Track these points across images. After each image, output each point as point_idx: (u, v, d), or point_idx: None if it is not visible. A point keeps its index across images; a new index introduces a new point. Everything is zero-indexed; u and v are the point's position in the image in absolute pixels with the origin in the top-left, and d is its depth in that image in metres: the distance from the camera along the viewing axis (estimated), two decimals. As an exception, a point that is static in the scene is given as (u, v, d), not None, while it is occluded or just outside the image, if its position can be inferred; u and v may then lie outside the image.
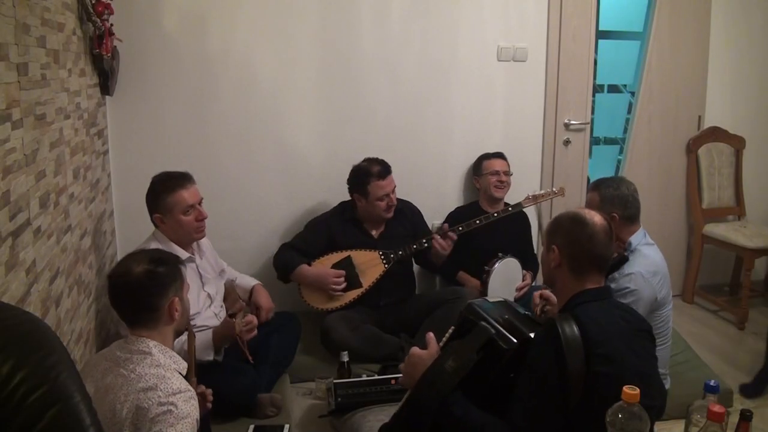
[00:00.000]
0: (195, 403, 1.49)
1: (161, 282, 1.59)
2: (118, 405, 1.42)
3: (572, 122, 3.47)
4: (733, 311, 3.50)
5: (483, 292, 2.89)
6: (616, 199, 2.32)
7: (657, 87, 3.61)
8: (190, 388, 1.51)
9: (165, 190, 2.28)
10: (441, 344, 1.56)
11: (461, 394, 1.43)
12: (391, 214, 2.91)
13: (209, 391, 1.74)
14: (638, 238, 2.32)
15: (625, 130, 3.93)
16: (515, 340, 1.42)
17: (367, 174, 2.85)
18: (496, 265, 2.90)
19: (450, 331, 1.58)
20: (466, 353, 1.43)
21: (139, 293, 1.57)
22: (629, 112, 4.04)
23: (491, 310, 1.53)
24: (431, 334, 1.58)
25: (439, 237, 2.80)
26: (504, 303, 1.63)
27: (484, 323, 1.47)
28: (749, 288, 3.42)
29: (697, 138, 3.68)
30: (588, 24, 3.40)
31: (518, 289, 2.96)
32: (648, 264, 2.24)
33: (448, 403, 1.42)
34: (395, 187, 2.89)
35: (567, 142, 3.49)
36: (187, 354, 1.75)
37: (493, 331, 1.45)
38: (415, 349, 1.57)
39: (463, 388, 1.44)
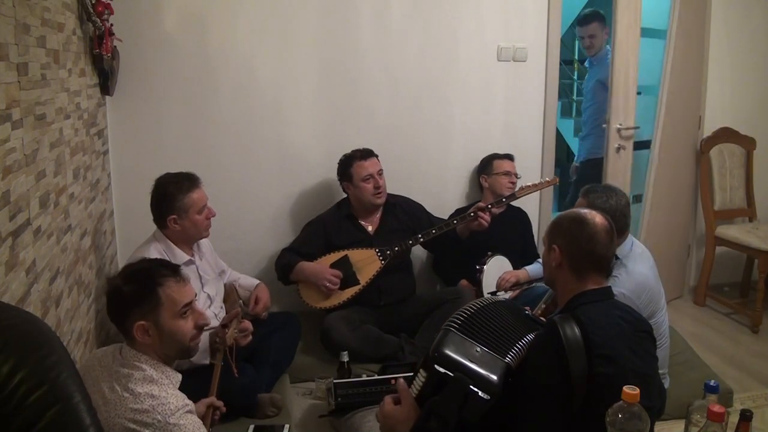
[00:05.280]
0: (192, 416, 1.47)
1: (121, 302, 1.52)
2: (109, 422, 1.38)
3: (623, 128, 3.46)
4: (748, 314, 3.45)
5: (478, 291, 2.88)
6: (606, 211, 2.27)
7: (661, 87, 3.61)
8: (187, 401, 1.48)
9: (180, 191, 2.29)
10: (414, 393, 1.41)
11: None
12: (382, 200, 2.92)
13: (220, 403, 1.76)
14: (624, 250, 2.26)
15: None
16: (494, 378, 1.34)
17: (350, 158, 2.92)
18: (486, 264, 2.88)
19: (422, 379, 1.40)
20: (446, 411, 1.31)
21: (108, 308, 1.56)
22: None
23: (464, 348, 1.38)
24: (402, 382, 1.44)
25: (481, 212, 2.79)
26: (490, 309, 1.51)
27: (458, 374, 1.33)
28: (763, 290, 3.35)
29: (709, 139, 3.67)
30: (634, 23, 3.39)
31: (505, 290, 2.93)
32: (632, 282, 2.17)
33: None
34: (381, 171, 2.92)
35: (620, 149, 3.47)
36: (212, 381, 1.81)
37: (469, 382, 1.32)
38: (389, 405, 1.42)
39: None
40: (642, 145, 3.73)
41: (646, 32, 3.82)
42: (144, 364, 1.48)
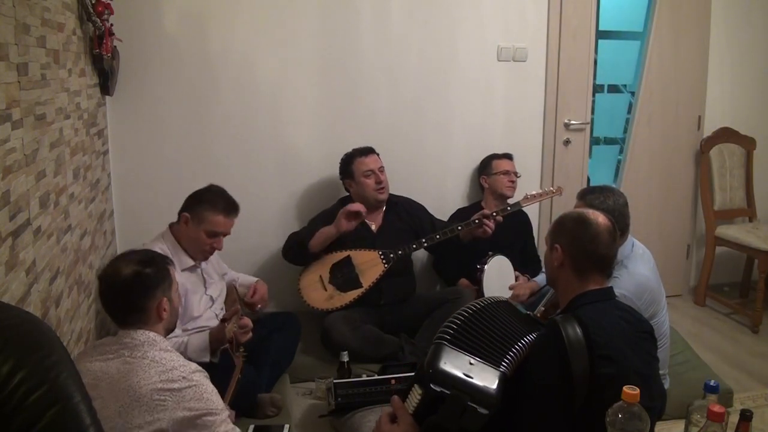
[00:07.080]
0: (209, 381, 1.61)
1: (148, 284, 1.63)
2: (138, 389, 1.47)
3: (572, 122, 3.47)
4: (748, 314, 3.43)
5: (479, 291, 2.88)
6: (604, 212, 2.26)
7: (657, 87, 3.61)
8: (201, 368, 1.60)
9: (214, 208, 2.31)
10: (411, 410, 1.38)
11: None
12: (384, 195, 2.93)
13: (232, 412, 1.81)
14: (625, 251, 2.25)
15: (625, 130, 3.92)
16: (493, 391, 1.32)
17: (350, 156, 2.95)
18: (487, 264, 2.89)
19: (418, 396, 1.36)
20: (446, 428, 1.30)
21: (127, 294, 1.61)
22: (629, 112, 4.04)
23: (458, 362, 1.35)
24: (397, 399, 1.41)
25: (486, 220, 2.79)
26: (484, 312, 1.48)
27: (455, 391, 1.31)
28: (764, 290, 3.33)
29: (709, 139, 3.66)
30: (588, 24, 3.41)
31: (511, 288, 2.95)
32: (633, 282, 2.16)
33: None
34: (382, 167, 2.94)
35: (567, 142, 3.49)
36: (228, 388, 1.92)
37: (467, 398, 1.30)
38: (387, 424, 1.40)
39: None
40: (610, 142, 3.71)
41: (624, 35, 3.87)
42: (155, 337, 1.60)
